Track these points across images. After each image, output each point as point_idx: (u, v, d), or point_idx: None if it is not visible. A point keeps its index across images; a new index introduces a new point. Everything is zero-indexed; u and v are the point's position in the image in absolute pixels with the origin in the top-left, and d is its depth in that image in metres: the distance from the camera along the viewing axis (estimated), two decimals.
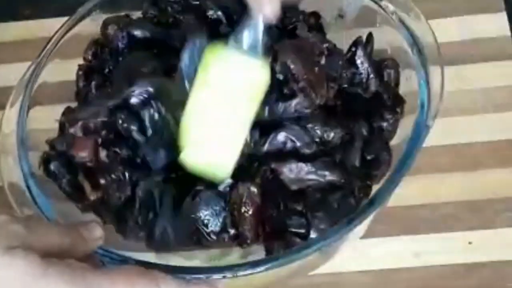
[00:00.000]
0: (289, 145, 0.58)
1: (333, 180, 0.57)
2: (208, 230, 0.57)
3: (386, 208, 0.62)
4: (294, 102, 0.59)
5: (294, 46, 0.61)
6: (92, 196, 0.58)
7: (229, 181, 0.57)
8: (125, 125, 0.59)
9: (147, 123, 0.59)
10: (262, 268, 0.51)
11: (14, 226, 0.46)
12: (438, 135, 0.60)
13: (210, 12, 0.65)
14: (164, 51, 0.64)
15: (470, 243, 0.66)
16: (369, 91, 0.63)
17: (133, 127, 0.58)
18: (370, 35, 0.65)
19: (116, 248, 0.53)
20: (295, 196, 0.57)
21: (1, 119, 0.61)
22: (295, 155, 0.58)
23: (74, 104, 0.66)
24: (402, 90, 0.63)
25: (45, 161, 0.60)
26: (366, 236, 0.64)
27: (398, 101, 0.62)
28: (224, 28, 0.65)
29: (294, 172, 0.57)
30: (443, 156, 0.70)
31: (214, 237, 0.57)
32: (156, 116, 0.59)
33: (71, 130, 0.60)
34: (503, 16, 0.77)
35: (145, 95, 0.59)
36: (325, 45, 0.63)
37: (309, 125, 0.59)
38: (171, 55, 0.62)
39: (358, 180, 0.58)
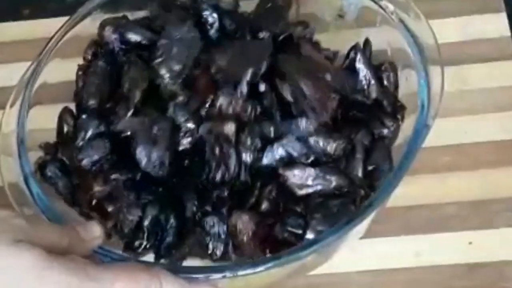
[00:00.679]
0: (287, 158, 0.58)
1: (340, 185, 0.57)
2: (211, 252, 0.57)
3: (386, 208, 0.62)
4: (303, 121, 0.58)
5: (302, 66, 0.61)
6: (105, 228, 0.56)
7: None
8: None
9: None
10: (262, 268, 0.51)
11: (18, 221, 0.47)
12: (438, 135, 0.59)
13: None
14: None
15: (470, 243, 0.66)
16: (370, 98, 0.63)
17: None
18: (367, 40, 0.65)
19: (116, 248, 0.54)
20: (297, 199, 0.57)
21: (1, 119, 0.61)
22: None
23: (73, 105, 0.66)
24: (402, 90, 0.63)
25: (41, 166, 0.60)
26: (366, 236, 0.63)
27: (398, 108, 0.62)
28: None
29: (301, 177, 0.57)
30: (443, 156, 0.70)
31: (218, 256, 0.57)
32: None
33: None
34: (503, 16, 0.77)
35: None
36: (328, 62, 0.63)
37: (311, 139, 0.58)
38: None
39: (361, 189, 0.58)
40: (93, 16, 0.67)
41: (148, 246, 0.57)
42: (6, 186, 0.57)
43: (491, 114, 0.72)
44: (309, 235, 0.54)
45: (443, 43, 0.61)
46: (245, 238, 0.56)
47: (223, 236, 0.57)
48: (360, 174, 0.59)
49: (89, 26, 0.67)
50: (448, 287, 0.64)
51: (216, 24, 0.65)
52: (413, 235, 0.66)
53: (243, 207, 0.57)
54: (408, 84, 0.61)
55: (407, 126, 0.58)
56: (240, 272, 0.51)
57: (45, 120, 0.64)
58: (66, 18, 0.67)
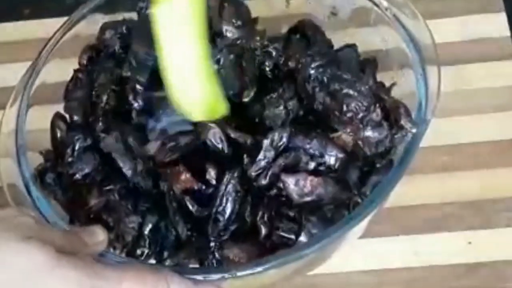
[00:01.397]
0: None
1: (339, 195, 0.56)
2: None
3: (386, 208, 0.62)
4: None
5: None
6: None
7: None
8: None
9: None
10: (261, 268, 0.51)
11: (26, 219, 0.47)
12: (438, 135, 0.59)
13: None
14: None
15: (470, 243, 0.66)
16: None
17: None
18: (374, 60, 0.64)
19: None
20: (292, 205, 0.56)
21: (0, 119, 0.61)
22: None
23: None
24: (399, 89, 0.63)
25: (41, 173, 0.60)
26: (366, 236, 0.64)
27: (395, 116, 0.60)
28: None
29: (301, 185, 0.56)
30: (443, 156, 0.70)
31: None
32: None
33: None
34: (503, 16, 0.77)
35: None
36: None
37: (310, 151, 0.58)
38: None
39: (358, 197, 0.57)
40: (92, 17, 0.67)
41: (150, 253, 0.57)
42: (5, 187, 0.57)
43: (490, 114, 0.72)
44: (303, 238, 0.54)
45: (443, 43, 0.61)
46: (242, 262, 0.56)
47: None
48: (356, 180, 0.58)
49: (88, 27, 0.67)
50: (447, 287, 0.64)
51: None
52: (412, 235, 0.66)
53: (237, 239, 0.56)
54: (405, 83, 0.61)
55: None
56: (240, 273, 0.51)
57: (44, 120, 0.64)
58: (66, 18, 0.67)
